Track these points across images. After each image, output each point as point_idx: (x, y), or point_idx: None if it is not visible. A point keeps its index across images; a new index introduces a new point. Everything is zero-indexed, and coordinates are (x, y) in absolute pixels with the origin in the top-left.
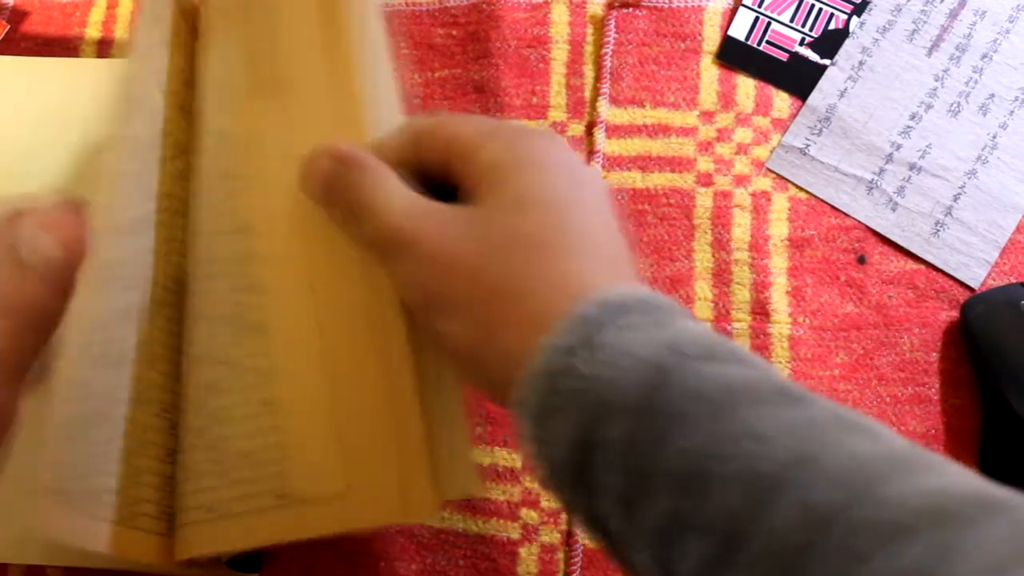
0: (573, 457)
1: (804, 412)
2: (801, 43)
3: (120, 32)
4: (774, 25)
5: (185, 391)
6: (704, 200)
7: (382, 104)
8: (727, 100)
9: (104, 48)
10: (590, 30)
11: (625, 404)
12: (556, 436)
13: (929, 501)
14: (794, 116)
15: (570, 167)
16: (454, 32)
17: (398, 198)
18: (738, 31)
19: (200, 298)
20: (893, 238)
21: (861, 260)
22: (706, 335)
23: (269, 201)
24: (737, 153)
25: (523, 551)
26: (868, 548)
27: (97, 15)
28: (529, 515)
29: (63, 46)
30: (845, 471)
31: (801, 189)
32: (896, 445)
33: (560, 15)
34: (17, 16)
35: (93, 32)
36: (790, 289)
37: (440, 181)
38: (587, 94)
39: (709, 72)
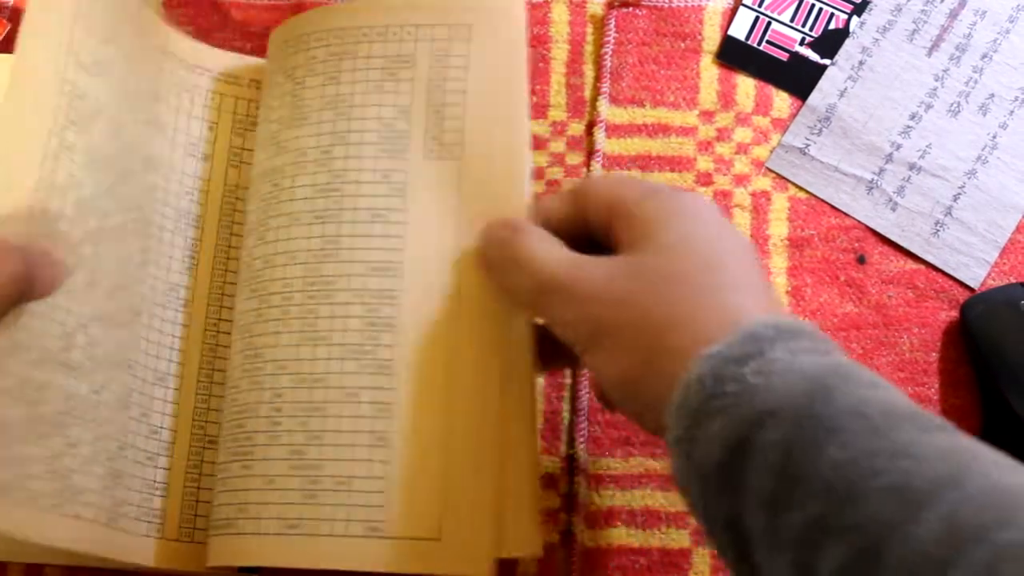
0: (725, 457)
1: (957, 441)
2: (801, 43)
3: None
4: (774, 25)
5: (261, 399)
6: None
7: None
8: (727, 100)
9: None
10: (590, 29)
11: (788, 412)
12: (712, 436)
13: None
14: (794, 116)
15: (719, 219)
16: None
17: (556, 253)
18: (738, 31)
19: (310, 319)
20: (893, 238)
21: (861, 260)
22: (868, 370)
23: (420, 249)
24: (737, 153)
25: None
26: (1008, 570)
27: None
28: None
29: None
30: (992, 496)
31: (801, 189)
32: None
33: (560, 14)
34: (17, 15)
35: None
36: (790, 289)
37: (600, 238)
38: (587, 93)
39: (709, 72)
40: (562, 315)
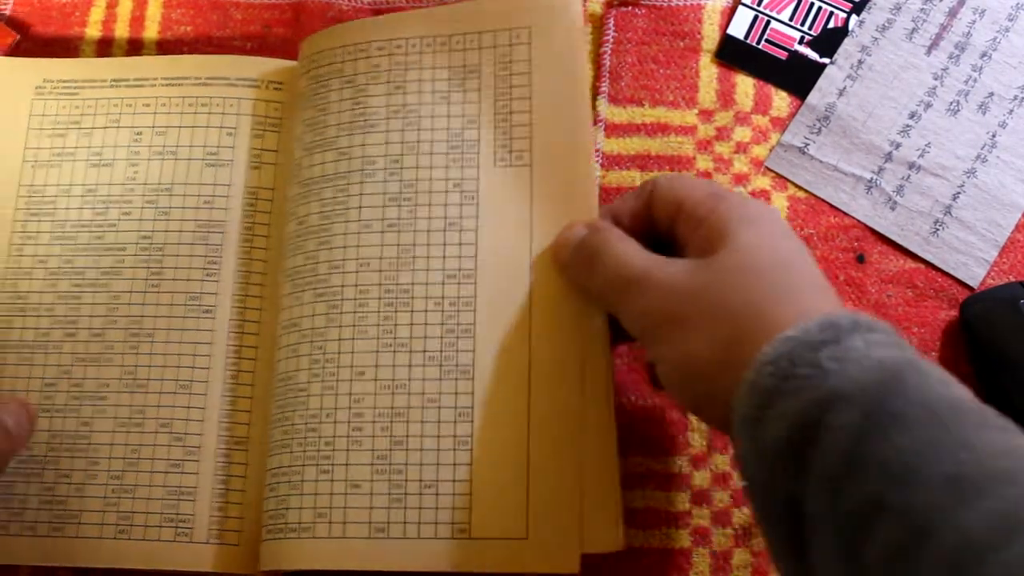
0: (793, 436)
1: (1018, 440)
2: (800, 42)
3: (120, 31)
4: (773, 24)
5: (337, 404)
6: None
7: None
8: (726, 99)
9: (104, 47)
10: (589, 28)
11: (861, 398)
12: (780, 415)
13: None
14: (793, 115)
15: (784, 225)
16: None
17: (634, 251)
18: (737, 30)
19: (389, 326)
20: (892, 237)
21: (860, 259)
22: (939, 367)
23: (494, 255)
24: (736, 152)
25: None
26: None
27: (97, 15)
28: None
29: (63, 46)
30: None
31: (800, 188)
32: None
33: None
34: (16, 24)
35: (93, 32)
36: None
37: (663, 235)
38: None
39: (708, 71)
40: (635, 306)
